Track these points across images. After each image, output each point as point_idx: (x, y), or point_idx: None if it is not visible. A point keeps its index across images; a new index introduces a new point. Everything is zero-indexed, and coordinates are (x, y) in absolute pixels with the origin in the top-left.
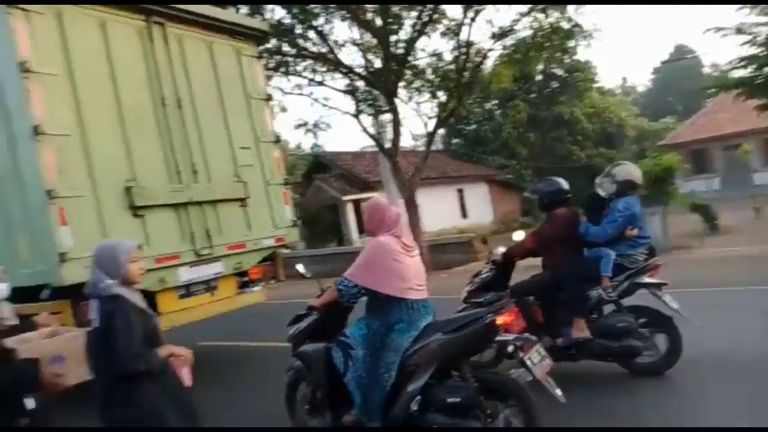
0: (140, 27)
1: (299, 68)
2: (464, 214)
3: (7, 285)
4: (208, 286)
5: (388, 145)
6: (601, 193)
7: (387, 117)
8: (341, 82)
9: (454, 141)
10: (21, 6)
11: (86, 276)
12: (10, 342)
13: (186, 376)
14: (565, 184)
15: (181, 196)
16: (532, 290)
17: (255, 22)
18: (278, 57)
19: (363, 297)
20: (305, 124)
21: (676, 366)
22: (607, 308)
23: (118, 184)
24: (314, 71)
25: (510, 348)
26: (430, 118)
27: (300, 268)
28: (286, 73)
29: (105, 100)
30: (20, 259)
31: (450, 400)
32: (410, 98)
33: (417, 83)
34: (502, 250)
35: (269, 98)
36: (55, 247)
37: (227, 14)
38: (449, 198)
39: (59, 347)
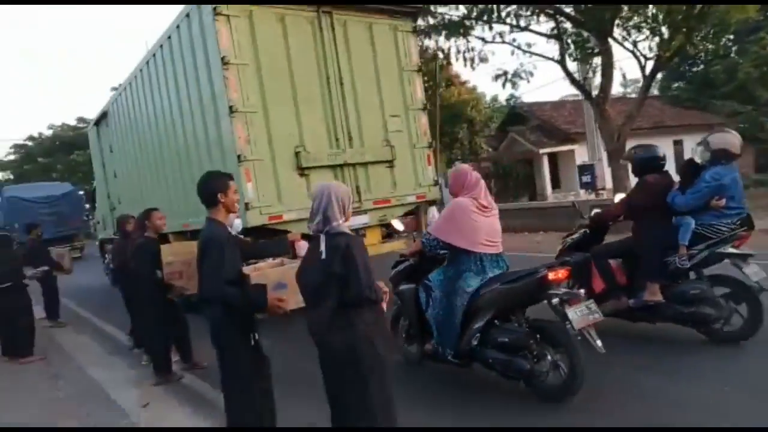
0: (311, 17)
1: (503, 14)
2: None
3: (239, 221)
4: (357, 234)
5: (594, 93)
6: (697, 160)
7: (595, 61)
8: (546, 26)
9: (675, 85)
10: (224, 12)
11: (263, 221)
12: (246, 269)
13: (381, 310)
14: (660, 151)
15: (338, 159)
16: (614, 253)
17: (407, 5)
18: (481, 5)
19: (443, 249)
20: (505, 74)
21: (756, 338)
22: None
23: (289, 150)
24: (517, 16)
25: (555, 300)
26: (648, 59)
27: (395, 223)
28: (488, 21)
29: (283, 82)
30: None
31: (501, 339)
32: (626, 38)
33: (636, 19)
34: (597, 211)
35: (420, 69)
36: (243, 198)
37: (384, 4)
38: (663, 151)
39: (282, 276)
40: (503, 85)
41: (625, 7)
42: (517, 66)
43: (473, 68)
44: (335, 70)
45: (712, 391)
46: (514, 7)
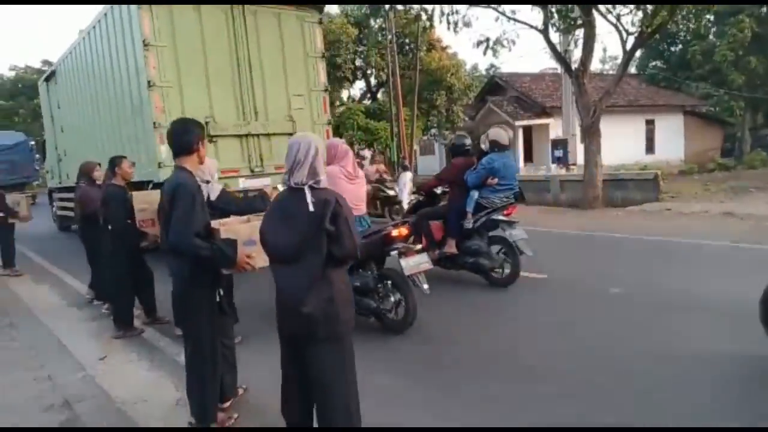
0: (225, 8)
1: None
2: (651, 149)
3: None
4: (259, 195)
5: (575, 66)
6: (483, 147)
7: (578, 33)
8: None
9: (652, 64)
10: (147, 8)
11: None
12: (213, 223)
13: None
14: (468, 139)
15: (243, 129)
16: (434, 216)
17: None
18: None
19: None
20: (487, 40)
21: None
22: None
23: (200, 120)
24: None
25: (394, 252)
26: (630, 34)
27: (280, 187)
28: None
29: (197, 62)
30: (140, 164)
31: (354, 284)
32: (609, 10)
33: None
34: (420, 183)
35: (323, 56)
36: (156, 158)
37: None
38: (636, 129)
39: (253, 232)
40: (484, 52)
41: None
42: (500, 33)
43: (456, 32)
44: (245, 53)
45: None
46: None
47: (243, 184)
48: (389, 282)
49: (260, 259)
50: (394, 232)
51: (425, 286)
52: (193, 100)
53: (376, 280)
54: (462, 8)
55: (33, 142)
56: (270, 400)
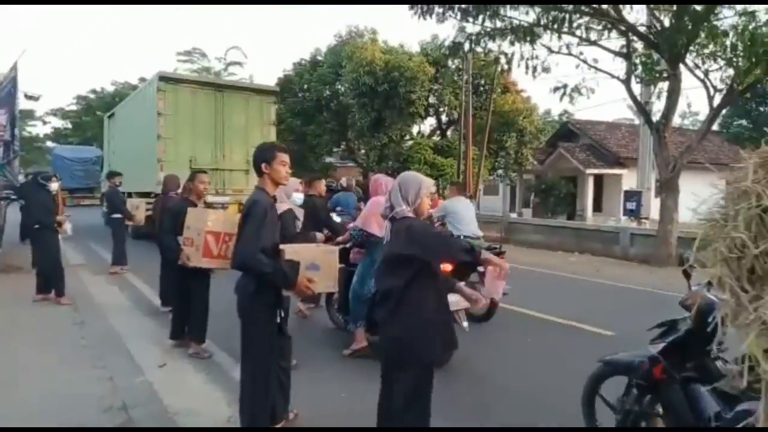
0: (212, 92)
1: (574, 25)
2: None
3: (298, 195)
4: (222, 206)
5: (656, 118)
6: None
7: (660, 86)
8: (616, 43)
9: (737, 123)
10: (161, 88)
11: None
12: (280, 245)
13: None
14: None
15: (214, 166)
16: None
17: (271, 86)
18: (554, 12)
19: (365, 238)
20: (564, 86)
21: None
22: None
23: (186, 159)
24: (588, 29)
25: None
26: (718, 90)
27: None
28: (558, 31)
29: (189, 125)
30: (148, 180)
31: None
32: (698, 65)
33: (712, 47)
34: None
35: (274, 123)
36: (156, 179)
37: (257, 85)
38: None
39: (315, 257)
40: (561, 98)
41: (702, 34)
42: (579, 80)
43: (534, 77)
44: (221, 119)
45: None
46: (586, 19)
47: (211, 198)
48: None
49: (322, 285)
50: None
51: (465, 324)
52: (184, 148)
53: None
54: (542, 53)
55: None
56: (319, 425)
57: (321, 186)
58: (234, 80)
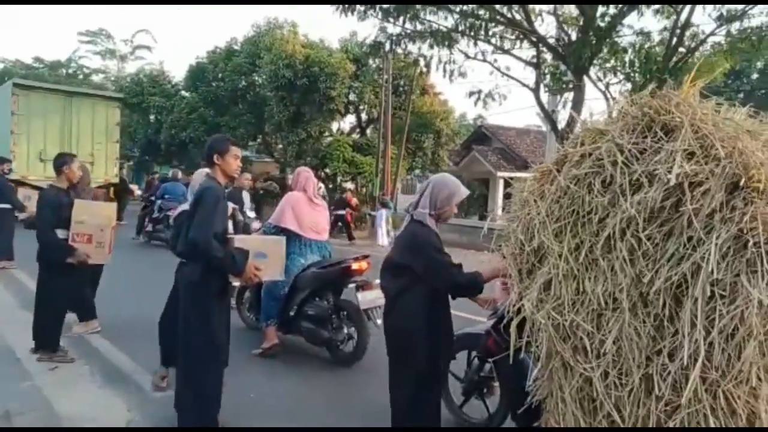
0: (63, 96)
1: (489, 33)
2: None
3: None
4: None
5: (561, 126)
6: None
7: (567, 96)
8: (528, 52)
9: None
10: (15, 92)
11: (19, 177)
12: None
13: None
14: None
15: None
16: None
17: (116, 94)
18: (471, 19)
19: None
20: (479, 92)
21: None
22: None
23: (37, 152)
24: (502, 38)
25: (353, 285)
26: (616, 102)
27: None
28: (475, 38)
29: (41, 123)
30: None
31: (310, 312)
32: (600, 78)
33: (613, 62)
34: None
35: (117, 124)
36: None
37: (103, 92)
38: None
39: (263, 246)
40: (475, 103)
41: (605, 49)
42: (493, 87)
43: (451, 81)
44: (69, 121)
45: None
46: (500, 28)
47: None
48: (344, 313)
49: (268, 273)
50: (355, 266)
51: (379, 321)
52: (35, 142)
53: (331, 310)
54: (459, 58)
55: None
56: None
57: (242, 180)
58: (83, 88)
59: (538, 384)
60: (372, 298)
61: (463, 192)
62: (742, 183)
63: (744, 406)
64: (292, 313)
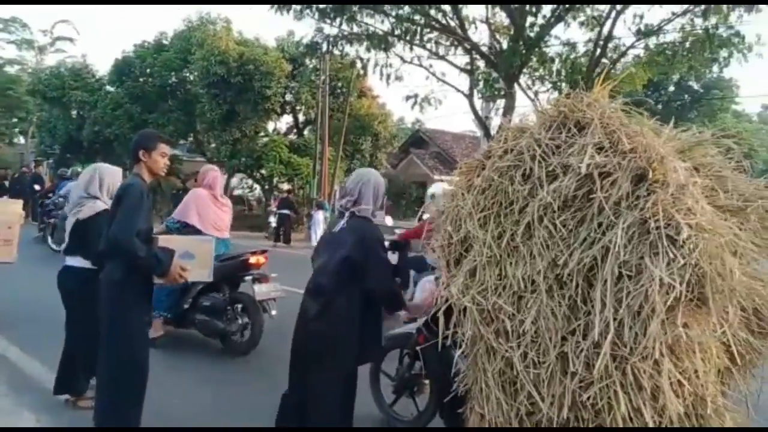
0: None
1: (425, 38)
2: None
3: None
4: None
5: (493, 132)
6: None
7: (499, 102)
8: (462, 59)
9: None
10: None
11: None
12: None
13: None
14: None
15: None
16: None
17: None
18: (407, 24)
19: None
20: (416, 96)
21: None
22: None
23: None
24: (437, 44)
25: (249, 278)
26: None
27: None
28: (410, 42)
29: None
30: None
31: (204, 303)
32: (530, 86)
33: (541, 71)
34: None
35: None
36: None
37: None
38: None
39: (190, 246)
40: (412, 107)
41: (534, 58)
42: (429, 92)
43: (388, 84)
44: None
45: None
46: (435, 34)
47: None
48: (239, 306)
49: (195, 274)
50: (252, 260)
51: (273, 312)
52: None
53: (226, 302)
54: (396, 62)
55: None
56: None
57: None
58: None
59: (463, 372)
60: (267, 290)
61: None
62: (647, 175)
63: (649, 380)
64: (186, 306)
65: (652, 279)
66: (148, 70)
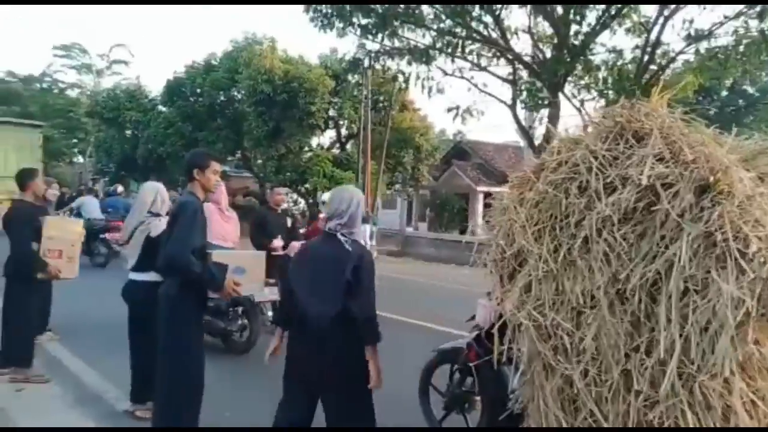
0: None
1: (466, 50)
2: None
3: None
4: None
5: (537, 142)
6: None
7: (543, 112)
8: (504, 70)
9: None
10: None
11: None
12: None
13: None
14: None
15: None
16: None
17: (37, 122)
18: (448, 37)
19: None
20: (457, 108)
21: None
22: None
23: None
24: (479, 55)
25: None
26: (585, 119)
27: None
28: (452, 55)
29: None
30: None
31: (208, 305)
32: (575, 95)
33: (587, 79)
34: None
35: (40, 146)
36: None
37: (24, 120)
38: None
39: (242, 261)
40: (454, 119)
41: (579, 66)
42: (471, 103)
43: (430, 97)
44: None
45: None
46: (477, 45)
47: None
48: (240, 308)
49: (247, 288)
50: None
51: (269, 314)
52: None
53: (228, 304)
54: (437, 75)
55: None
56: None
57: (276, 197)
58: (8, 119)
59: (519, 391)
60: (265, 294)
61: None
62: (711, 185)
63: (719, 400)
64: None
65: (720, 293)
66: (198, 90)
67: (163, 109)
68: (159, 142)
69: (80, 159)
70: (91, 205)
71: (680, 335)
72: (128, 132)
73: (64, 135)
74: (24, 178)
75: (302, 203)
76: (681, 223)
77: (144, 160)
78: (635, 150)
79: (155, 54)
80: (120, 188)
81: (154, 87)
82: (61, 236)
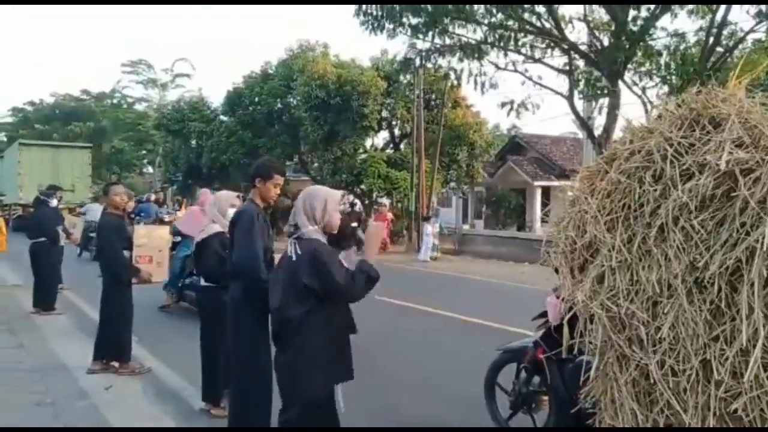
0: (50, 149)
1: (519, 43)
2: None
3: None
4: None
5: (597, 132)
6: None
7: (602, 102)
8: (559, 60)
9: None
10: (21, 149)
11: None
12: None
13: None
14: None
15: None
16: None
17: (86, 144)
18: (500, 31)
19: None
20: (512, 102)
21: None
22: None
23: (35, 185)
24: (533, 47)
25: None
26: (655, 106)
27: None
28: (504, 49)
29: (38, 165)
30: (15, 194)
31: (194, 284)
32: (635, 82)
33: (648, 65)
34: None
35: (90, 163)
36: (18, 196)
37: (77, 144)
38: None
39: None
40: (508, 114)
41: (639, 53)
42: (525, 96)
43: (483, 92)
44: (58, 163)
45: None
46: (530, 37)
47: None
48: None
49: None
50: None
51: None
52: (34, 178)
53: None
54: (490, 70)
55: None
56: None
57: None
58: (65, 143)
59: (590, 386)
60: None
61: (335, 195)
62: None
63: None
64: (180, 284)
65: None
66: (256, 99)
67: (224, 118)
68: (221, 151)
69: (149, 169)
70: (97, 210)
71: (764, 325)
72: (193, 142)
73: (134, 147)
74: (105, 192)
75: (358, 204)
76: (760, 211)
77: (208, 168)
78: (712, 136)
79: (215, 66)
80: (153, 196)
81: (215, 98)
82: (150, 243)
